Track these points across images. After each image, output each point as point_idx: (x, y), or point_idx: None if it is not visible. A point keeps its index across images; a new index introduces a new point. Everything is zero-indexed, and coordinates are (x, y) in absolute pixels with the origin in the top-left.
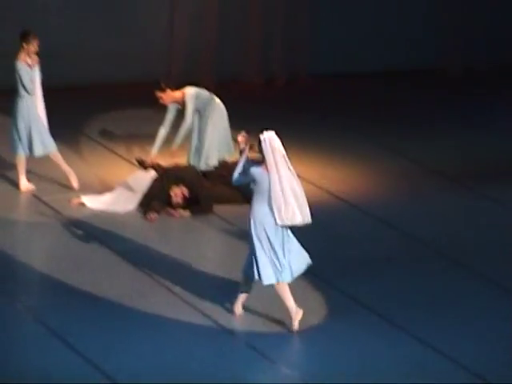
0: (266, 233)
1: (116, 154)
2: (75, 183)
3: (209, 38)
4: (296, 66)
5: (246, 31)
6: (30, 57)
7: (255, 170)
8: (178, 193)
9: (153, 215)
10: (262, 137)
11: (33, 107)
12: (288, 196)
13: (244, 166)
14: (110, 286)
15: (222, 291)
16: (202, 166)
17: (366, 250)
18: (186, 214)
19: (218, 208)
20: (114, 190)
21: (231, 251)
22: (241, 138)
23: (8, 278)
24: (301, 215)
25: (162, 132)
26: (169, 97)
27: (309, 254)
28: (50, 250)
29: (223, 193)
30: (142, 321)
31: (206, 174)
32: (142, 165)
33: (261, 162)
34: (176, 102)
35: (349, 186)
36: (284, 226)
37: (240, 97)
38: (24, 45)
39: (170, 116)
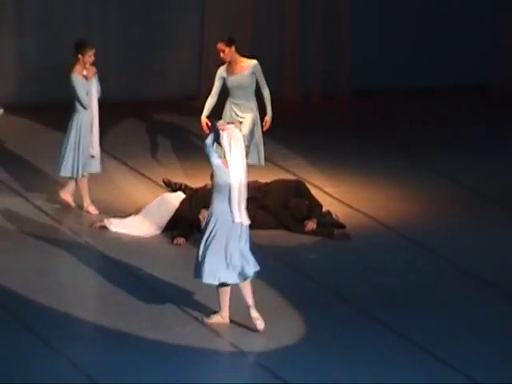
0: (223, 231)
1: (142, 174)
2: (93, 212)
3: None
4: (335, 81)
5: (283, 46)
6: (85, 68)
7: (215, 161)
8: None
9: (180, 240)
10: (221, 131)
11: (87, 124)
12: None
13: (214, 139)
14: (136, 318)
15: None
16: (262, 163)
17: (407, 278)
18: None
19: (250, 232)
20: (139, 213)
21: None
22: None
23: (29, 310)
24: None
25: (210, 100)
26: (231, 54)
27: (346, 280)
28: (71, 279)
29: (255, 216)
30: (169, 352)
31: None
32: (170, 186)
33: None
34: (233, 63)
35: (391, 210)
36: (241, 226)
37: (277, 113)
38: (79, 56)
39: (217, 84)
